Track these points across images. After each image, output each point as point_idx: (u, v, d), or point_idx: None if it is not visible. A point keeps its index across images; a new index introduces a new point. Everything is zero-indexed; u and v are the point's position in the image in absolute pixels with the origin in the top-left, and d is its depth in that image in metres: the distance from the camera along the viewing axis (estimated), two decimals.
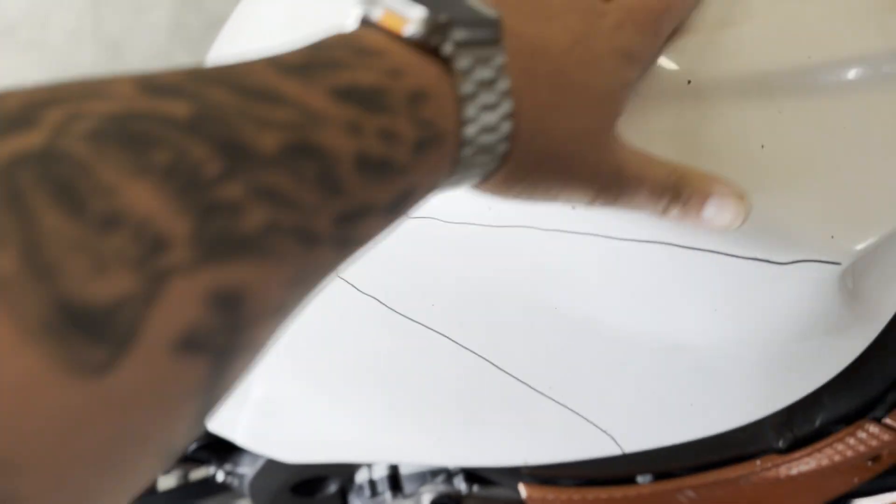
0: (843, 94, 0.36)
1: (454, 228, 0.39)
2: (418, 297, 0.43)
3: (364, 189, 0.20)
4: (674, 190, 0.30)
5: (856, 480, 0.56)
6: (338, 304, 0.45)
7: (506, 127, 0.24)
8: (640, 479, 0.58)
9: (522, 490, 0.60)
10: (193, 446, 0.66)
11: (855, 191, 0.36)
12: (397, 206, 0.22)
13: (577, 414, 0.46)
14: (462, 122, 0.23)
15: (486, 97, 0.23)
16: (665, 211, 0.31)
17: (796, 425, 0.51)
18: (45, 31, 1.80)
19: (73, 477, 0.15)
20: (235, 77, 0.19)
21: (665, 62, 0.34)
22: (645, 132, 0.34)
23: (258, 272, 0.17)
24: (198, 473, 0.77)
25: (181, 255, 0.16)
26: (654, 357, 0.42)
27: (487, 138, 0.24)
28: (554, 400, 0.45)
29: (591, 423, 0.46)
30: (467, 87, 0.23)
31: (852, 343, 0.44)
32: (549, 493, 0.59)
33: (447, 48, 0.23)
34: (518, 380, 0.45)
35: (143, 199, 0.15)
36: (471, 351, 0.44)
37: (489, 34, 0.24)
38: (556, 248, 0.38)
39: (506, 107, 0.24)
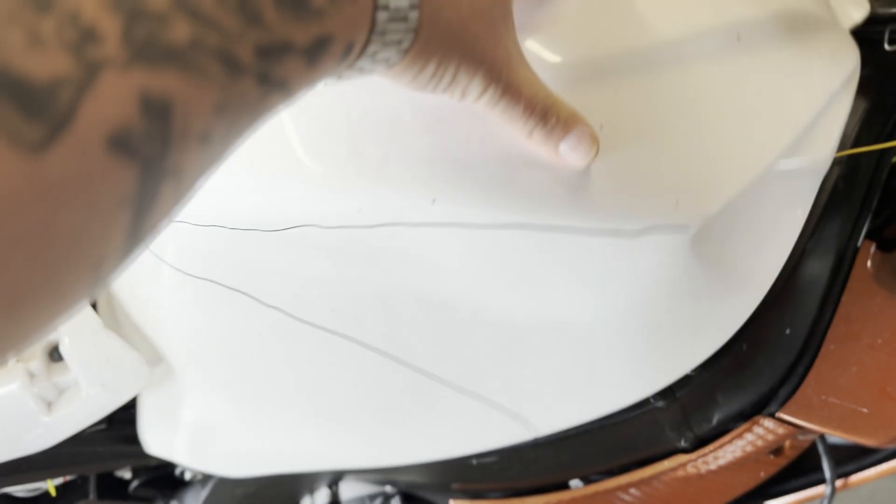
0: (677, 70, 0.40)
1: (334, 234, 0.41)
2: (318, 304, 0.46)
3: (281, 23, 0.21)
4: (544, 113, 0.33)
5: (762, 474, 0.59)
6: (249, 321, 0.48)
7: None
8: (572, 483, 0.61)
9: None
10: (136, 484, 0.68)
11: (696, 159, 0.39)
12: (315, 51, 0.23)
13: (486, 400, 0.48)
14: None
15: None
16: (531, 133, 0.34)
17: (695, 424, 0.54)
18: None
19: (5, 262, 0.15)
20: None
21: None
22: None
23: (185, 85, 0.18)
24: None
25: (113, 49, 0.17)
26: (543, 337, 0.45)
27: (399, 2, 0.26)
28: (462, 389, 0.47)
29: (501, 408, 0.49)
30: None
31: (732, 312, 0.47)
32: None
33: None
34: (425, 374, 0.47)
35: None
36: (375, 350, 0.47)
37: None
38: (427, 242, 0.40)
39: None
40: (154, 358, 0.54)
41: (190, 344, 0.52)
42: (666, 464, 0.57)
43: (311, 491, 0.69)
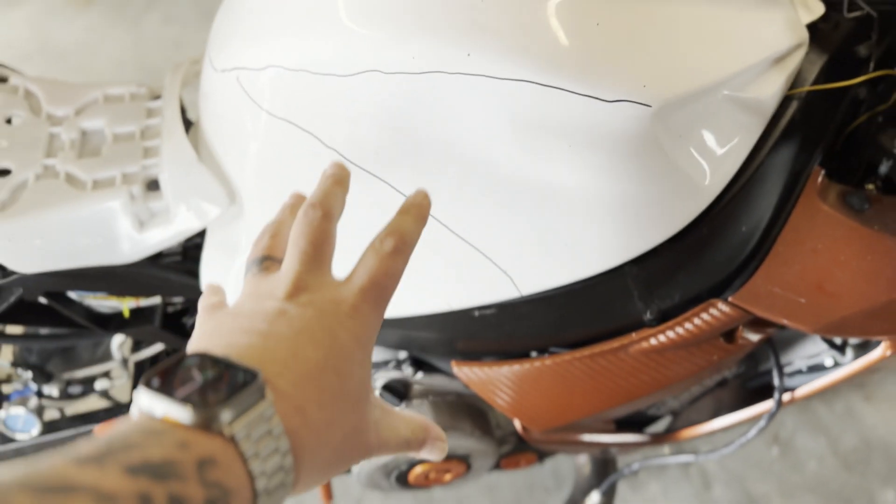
0: None
1: (392, 83, 0.53)
2: (367, 148, 0.57)
3: None
4: (407, 444, 0.39)
5: (715, 358, 0.70)
6: (311, 164, 0.57)
7: (289, 461, 0.29)
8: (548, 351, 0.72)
9: (453, 366, 0.74)
10: (193, 322, 0.80)
11: (661, 60, 0.52)
12: None
13: (481, 253, 0.60)
14: (252, 478, 0.27)
15: (267, 445, 0.28)
16: (402, 452, 0.40)
17: (659, 298, 0.65)
18: (94, 58, 2.03)
19: None
20: (36, 478, 0.22)
21: None
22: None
23: None
24: None
25: None
26: (533, 196, 0.56)
27: (278, 479, 0.28)
28: (460, 237, 0.59)
29: (494, 262, 0.60)
30: (248, 448, 0.27)
31: (687, 204, 0.59)
32: (475, 367, 0.73)
33: (223, 429, 0.27)
34: (440, 222, 0.59)
35: None
36: (403, 194, 0.58)
37: (255, 395, 0.28)
38: (460, 91, 0.52)
39: (284, 444, 0.29)
40: (231, 195, 0.67)
41: (261, 182, 0.65)
42: (634, 335, 0.68)
43: None
